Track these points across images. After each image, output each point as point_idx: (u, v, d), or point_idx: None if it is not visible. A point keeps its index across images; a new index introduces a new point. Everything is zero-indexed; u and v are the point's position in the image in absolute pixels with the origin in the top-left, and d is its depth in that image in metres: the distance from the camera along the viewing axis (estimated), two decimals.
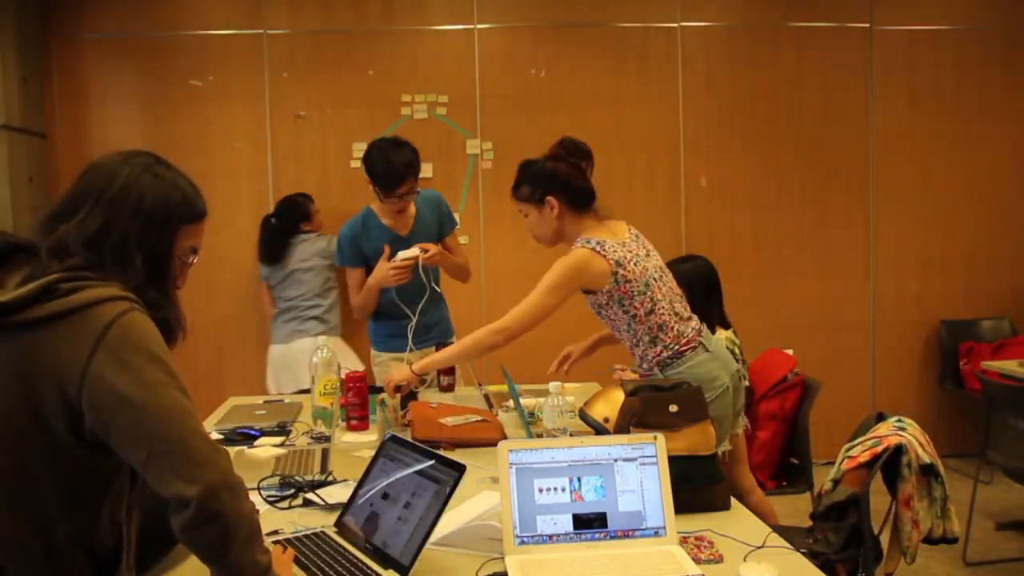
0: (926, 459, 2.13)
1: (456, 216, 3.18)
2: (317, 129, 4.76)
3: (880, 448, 2.13)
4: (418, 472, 1.60)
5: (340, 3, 4.74)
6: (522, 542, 1.56)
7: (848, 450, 2.23)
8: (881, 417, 2.32)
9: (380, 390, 2.65)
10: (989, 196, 5.05)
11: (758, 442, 3.13)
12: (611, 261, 2.39)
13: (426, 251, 3.05)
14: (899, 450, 2.13)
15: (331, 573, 1.48)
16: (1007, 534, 3.87)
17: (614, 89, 4.84)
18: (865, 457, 2.13)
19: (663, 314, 2.44)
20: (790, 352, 3.28)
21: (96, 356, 1.22)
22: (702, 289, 3.04)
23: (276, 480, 2.02)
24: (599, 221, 2.52)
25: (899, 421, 2.23)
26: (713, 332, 2.93)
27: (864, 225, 5.02)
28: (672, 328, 2.44)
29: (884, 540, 2.19)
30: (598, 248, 2.40)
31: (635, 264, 2.42)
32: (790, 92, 4.93)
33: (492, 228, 4.81)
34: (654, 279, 2.45)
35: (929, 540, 2.16)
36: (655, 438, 1.65)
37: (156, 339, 1.29)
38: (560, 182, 2.48)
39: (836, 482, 2.18)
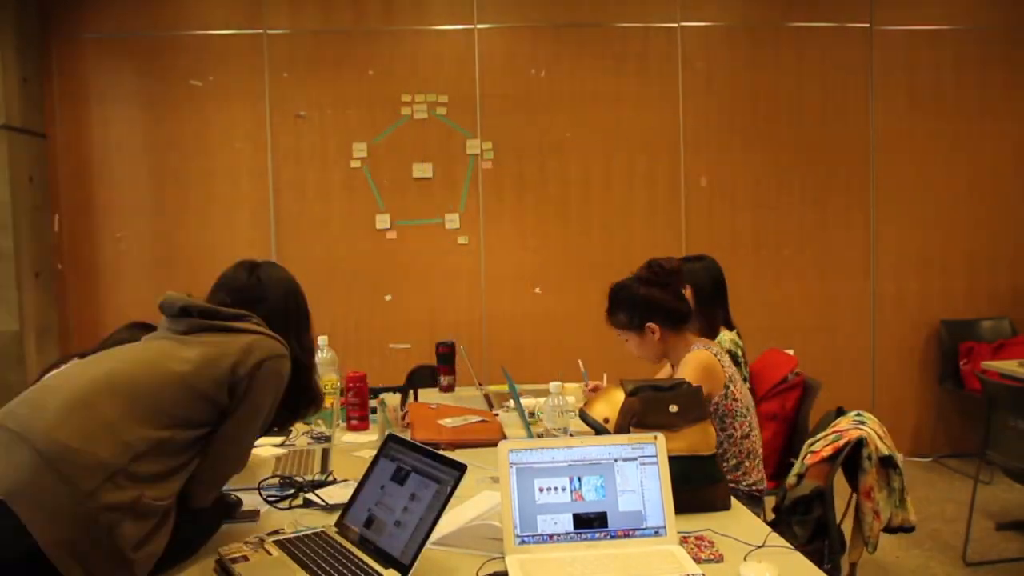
0: (885, 451, 2.17)
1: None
2: (317, 129, 4.76)
3: (842, 442, 2.16)
4: (419, 472, 1.59)
5: (340, 3, 4.74)
6: (522, 542, 1.56)
7: (811, 445, 2.26)
8: (841, 412, 2.36)
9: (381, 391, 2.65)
10: (989, 196, 5.06)
11: None
12: (727, 374, 2.34)
13: None
14: (859, 443, 2.16)
15: (332, 573, 1.48)
16: (1007, 534, 3.87)
17: (614, 89, 4.84)
18: (827, 452, 2.17)
19: (755, 442, 2.40)
20: (790, 352, 3.27)
21: (256, 374, 1.65)
22: (710, 289, 3.00)
23: (276, 480, 2.02)
24: (700, 334, 2.45)
25: (858, 415, 2.27)
26: (717, 333, 2.93)
27: (864, 225, 5.02)
28: (756, 458, 2.41)
29: (846, 531, 2.21)
30: (718, 356, 2.35)
31: (740, 384, 2.39)
32: (790, 92, 4.94)
33: (492, 228, 4.81)
34: (750, 406, 2.41)
35: (888, 529, 2.20)
36: (655, 438, 1.64)
37: (280, 391, 1.72)
38: (656, 307, 2.43)
39: (800, 476, 2.21)
